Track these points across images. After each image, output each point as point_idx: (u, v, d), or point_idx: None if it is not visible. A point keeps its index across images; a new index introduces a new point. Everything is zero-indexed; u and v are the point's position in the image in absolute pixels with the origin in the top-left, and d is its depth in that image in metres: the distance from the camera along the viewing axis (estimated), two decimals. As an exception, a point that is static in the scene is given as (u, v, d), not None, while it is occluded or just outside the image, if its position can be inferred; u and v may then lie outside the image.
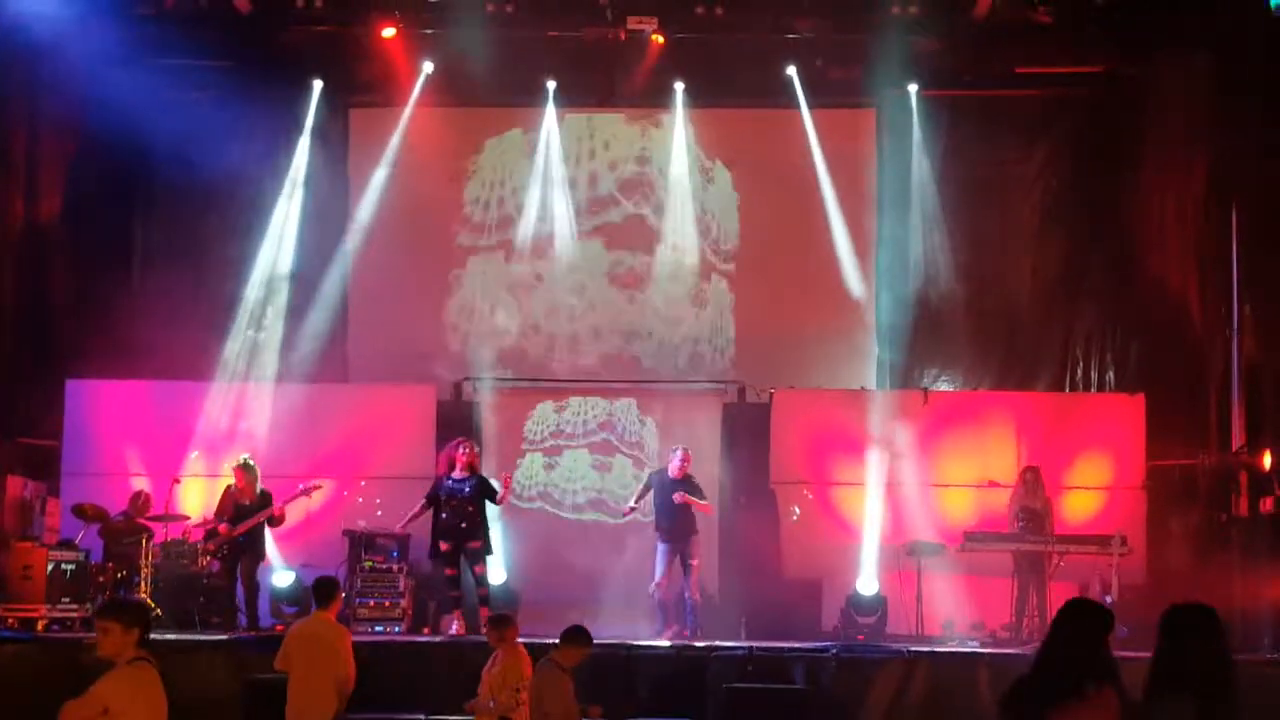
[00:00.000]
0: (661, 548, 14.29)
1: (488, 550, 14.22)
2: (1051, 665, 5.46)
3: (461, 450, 14.19)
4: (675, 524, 14.31)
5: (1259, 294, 15.34)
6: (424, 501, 14.25)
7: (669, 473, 14.48)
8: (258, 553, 14.24)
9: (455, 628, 13.90)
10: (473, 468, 14.20)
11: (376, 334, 17.82)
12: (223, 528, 14.11)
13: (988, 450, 16.07)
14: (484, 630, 11.47)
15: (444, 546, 14.05)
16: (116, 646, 6.72)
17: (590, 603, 15.04)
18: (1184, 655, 5.45)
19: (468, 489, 14.05)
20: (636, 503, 14.74)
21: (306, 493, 14.66)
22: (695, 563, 14.28)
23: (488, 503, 14.26)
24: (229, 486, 14.43)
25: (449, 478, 14.12)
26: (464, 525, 14.00)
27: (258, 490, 14.29)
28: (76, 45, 15.67)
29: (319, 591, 10.26)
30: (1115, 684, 5.35)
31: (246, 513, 14.11)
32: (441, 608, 14.69)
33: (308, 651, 9.83)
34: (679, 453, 14.57)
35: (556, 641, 10.03)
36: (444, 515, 14.04)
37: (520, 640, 10.50)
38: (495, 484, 14.40)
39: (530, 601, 15.18)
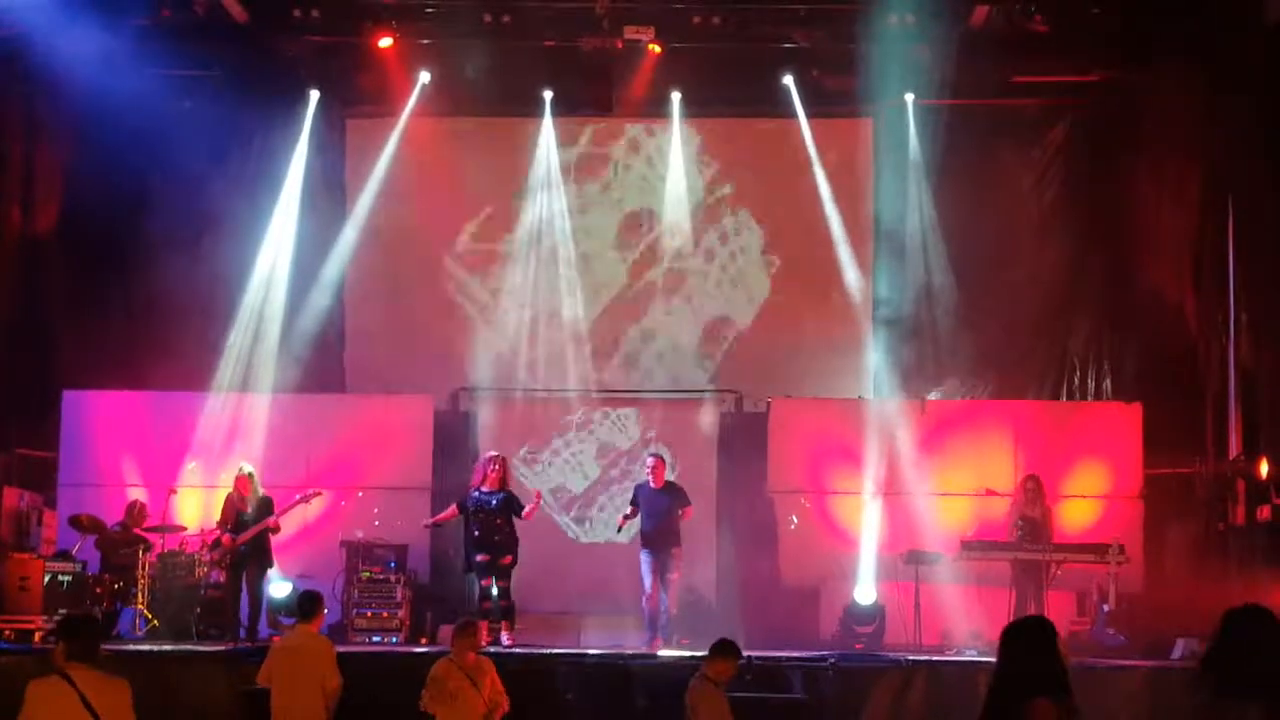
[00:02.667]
0: (645, 559, 14.10)
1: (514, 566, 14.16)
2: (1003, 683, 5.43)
3: (493, 466, 14.11)
4: (659, 533, 14.12)
5: (1255, 301, 15.34)
6: (455, 505, 14.19)
7: (650, 483, 14.32)
8: (263, 561, 14.19)
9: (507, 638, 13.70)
10: (502, 483, 14.12)
11: (373, 344, 17.84)
12: (225, 538, 14.10)
13: (985, 459, 16.05)
14: (487, 638, 11.35)
15: (482, 558, 13.91)
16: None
17: (585, 614, 15.05)
18: (1248, 657, 5.40)
19: (494, 503, 13.96)
20: (629, 516, 14.38)
21: (305, 500, 14.65)
22: (674, 577, 14.06)
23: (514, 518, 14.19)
24: (230, 495, 14.41)
25: (478, 490, 14.02)
26: (497, 539, 13.92)
27: (259, 497, 14.27)
28: (73, 55, 15.68)
29: (302, 605, 10.26)
30: (1052, 694, 5.30)
31: (248, 521, 14.09)
32: (487, 615, 14.44)
33: (291, 665, 9.77)
34: (650, 461, 14.43)
35: (706, 654, 10.00)
36: (475, 530, 13.95)
37: (518, 649, 10.47)
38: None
39: (524, 612, 15.17)
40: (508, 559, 13.94)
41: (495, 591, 13.92)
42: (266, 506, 14.21)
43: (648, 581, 14.05)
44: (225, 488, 14.70)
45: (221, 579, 14.30)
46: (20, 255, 16.49)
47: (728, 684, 9.79)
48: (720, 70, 17.04)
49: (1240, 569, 14.65)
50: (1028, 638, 5.50)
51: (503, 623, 13.72)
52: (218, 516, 14.46)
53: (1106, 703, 11.34)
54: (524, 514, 14.06)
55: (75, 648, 7.05)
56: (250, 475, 14.34)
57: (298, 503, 14.54)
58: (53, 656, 7.07)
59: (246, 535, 14.00)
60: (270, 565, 14.30)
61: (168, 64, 16.23)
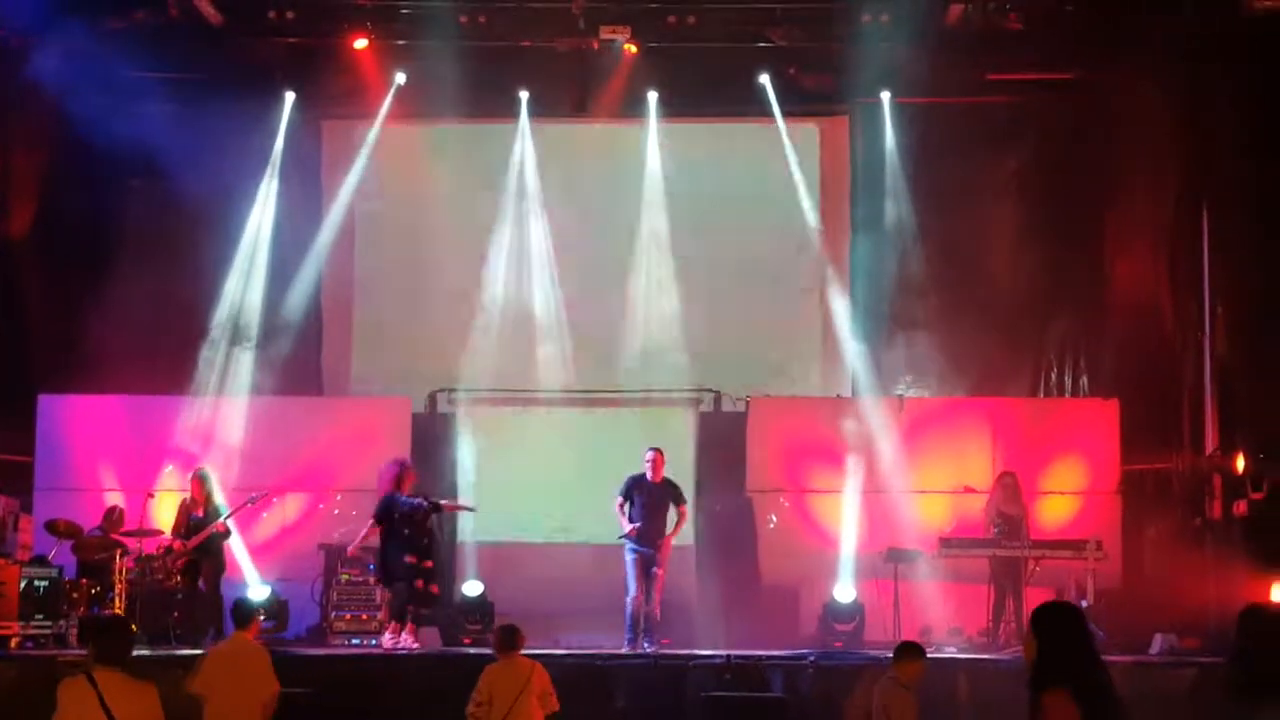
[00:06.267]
0: (631, 556, 13.94)
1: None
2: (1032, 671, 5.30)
3: (411, 469, 14.16)
4: (651, 529, 13.97)
5: (1231, 297, 15.40)
6: (373, 522, 13.99)
7: (648, 477, 14.13)
8: (217, 565, 14.16)
9: (413, 641, 13.76)
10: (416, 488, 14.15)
11: (351, 346, 17.85)
12: (176, 544, 14.09)
13: (964, 456, 16.10)
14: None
15: (410, 559, 13.77)
16: None
17: (564, 614, 15.02)
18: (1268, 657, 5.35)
19: (427, 506, 13.99)
20: (628, 518, 14.03)
21: (252, 501, 14.64)
22: (660, 571, 13.93)
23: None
24: (184, 499, 14.42)
25: (400, 496, 13.89)
26: (426, 542, 13.95)
27: (214, 502, 14.25)
28: (47, 59, 15.63)
29: (237, 613, 10.09)
30: (1074, 686, 5.19)
31: (199, 525, 14.06)
32: (402, 617, 14.44)
33: (229, 672, 9.57)
34: (650, 455, 14.19)
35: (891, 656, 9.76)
36: (406, 531, 13.82)
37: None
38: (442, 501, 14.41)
39: (503, 614, 15.14)
40: (430, 563, 13.91)
41: (427, 593, 13.89)
42: (217, 512, 14.21)
43: (633, 583, 13.91)
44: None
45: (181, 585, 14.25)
46: (-5, 258, 16.43)
47: (917, 686, 9.55)
48: (696, 70, 17.06)
49: (1218, 564, 14.70)
50: (1051, 623, 5.37)
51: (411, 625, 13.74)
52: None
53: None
54: (445, 506, 14.28)
55: (101, 650, 7.29)
56: (205, 479, 14.28)
57: (243, 505, 14.50)
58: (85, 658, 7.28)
59: (196, 540, 13.99)
60: (223, 570, 14.26)
61: (143, 67, 16.16)
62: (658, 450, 14.30)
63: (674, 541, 14.34)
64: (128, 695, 7.15)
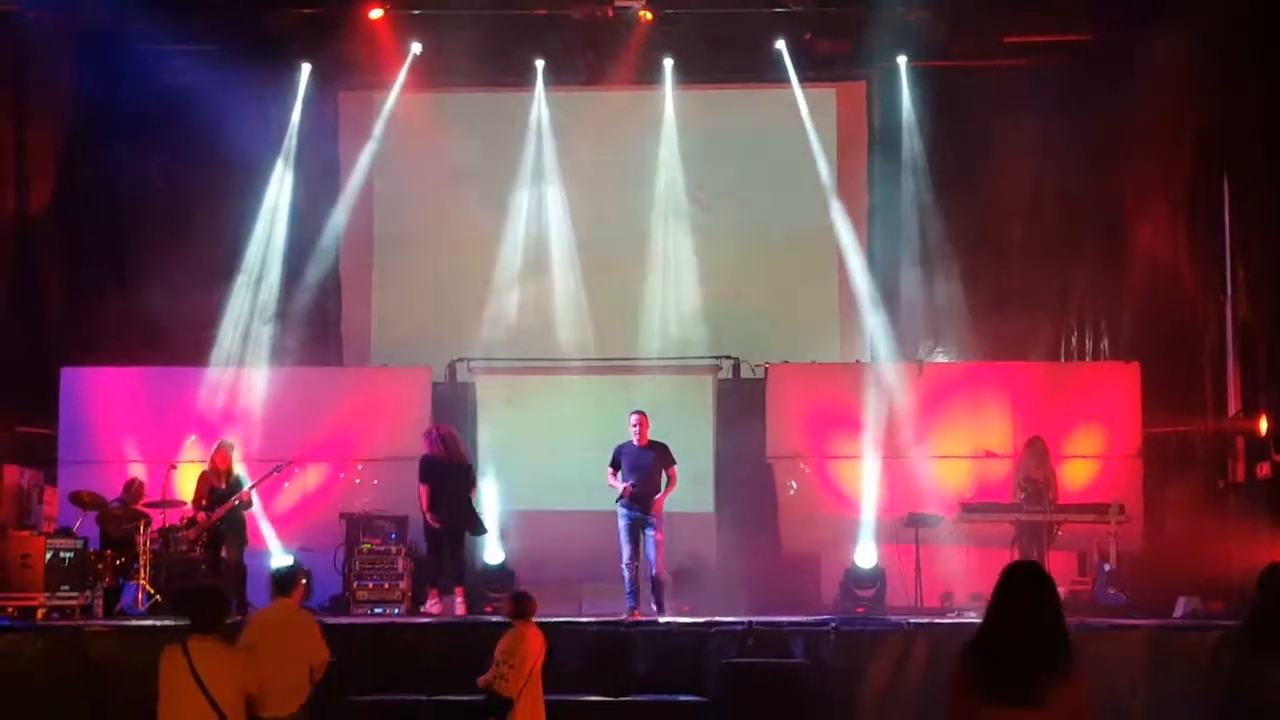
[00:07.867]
0: (624, 522, 13.78)
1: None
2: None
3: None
4: (642, 493, 13.74)
5: (1251, 258, 15.31)
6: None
7: (634, 441, 13.97)
8: (240, 535, 14.26)
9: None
10: None
11: (369, 316, 17.94)
12: (200, 516, 14.17)
13: (984, 421, 16.06)
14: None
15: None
16: None
17: (584, 581, 15.06)
18: None
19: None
20: (620, 481, 13.89)
21: (277, 470, 14.70)
22: (659, 537, 13.72)
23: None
24: (204, 471, 14.49)
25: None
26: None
27: (235, 473, 14.35)
28: (63, 32, 15.64)
29: (280, 580, 10.02)
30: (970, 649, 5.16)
31: (222, 497, 14.14)
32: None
33: (276, 638, 9.52)
34: (634, 418, 13.99)
35: None
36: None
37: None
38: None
39: (523, 582, 15.19)
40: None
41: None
42: (239, 483, 14.34)
43: (625, 547, 13.77)
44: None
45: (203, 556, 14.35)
46: (16, 233, 16.45)
47: None
48: (711, 36, 17.01)
49: (1240, 526, 14.65)
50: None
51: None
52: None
53: (1108, 662, 11.37)
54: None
55: (194, 621, 7.85)
56: (230, 449, 14.37)
57: (269, 475, 14.59)
58: None
59: (219, 512, 14.09)
60: (246, 542, 14.38)
61: (158, 39, 16.20)
62: (640, 413, 14.08)
63: (694, 509, 14.36)
64: (220, 664, 7.62)
